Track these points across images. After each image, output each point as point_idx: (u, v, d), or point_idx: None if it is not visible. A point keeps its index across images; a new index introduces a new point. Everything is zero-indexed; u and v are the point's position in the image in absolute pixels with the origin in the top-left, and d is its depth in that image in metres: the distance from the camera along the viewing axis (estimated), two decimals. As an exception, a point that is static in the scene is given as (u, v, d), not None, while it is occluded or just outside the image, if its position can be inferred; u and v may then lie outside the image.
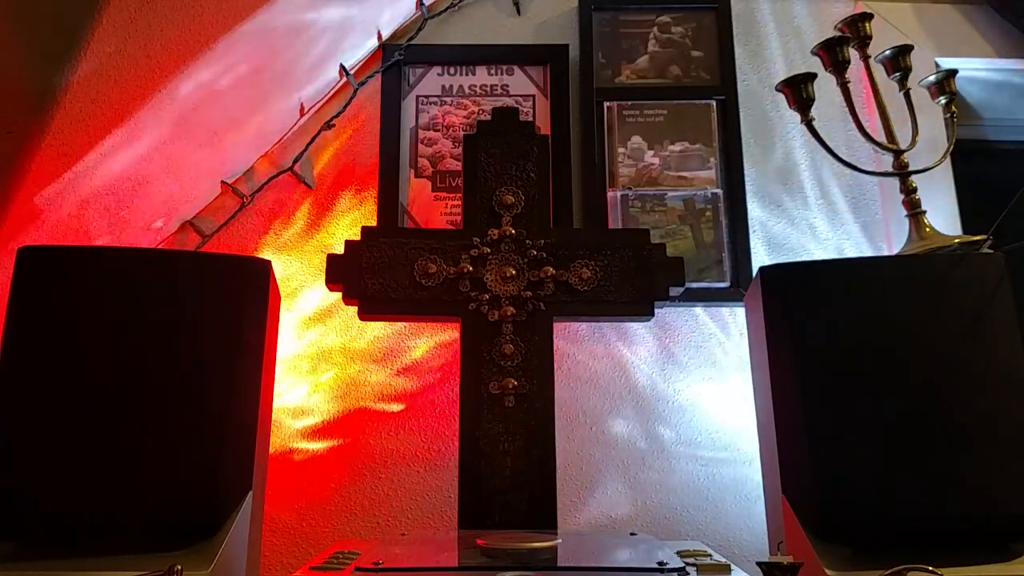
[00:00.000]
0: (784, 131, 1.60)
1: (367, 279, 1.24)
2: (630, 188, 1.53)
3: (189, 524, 0.90)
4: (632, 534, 1.12)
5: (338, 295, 1.25)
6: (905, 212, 1.18)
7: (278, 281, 1.13)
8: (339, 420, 1.41)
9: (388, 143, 1.55)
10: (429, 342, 1.46)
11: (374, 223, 1.50)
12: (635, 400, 1.44)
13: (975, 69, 1.67)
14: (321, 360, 1.44)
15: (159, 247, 1.41)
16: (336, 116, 1.55)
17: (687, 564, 0.83)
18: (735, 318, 1.48)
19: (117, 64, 1.23)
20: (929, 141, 1.29)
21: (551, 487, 1.17)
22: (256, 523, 1.00)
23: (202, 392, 0.94)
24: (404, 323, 1.45)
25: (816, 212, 1.56)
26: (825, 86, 1.24)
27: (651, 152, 1.55)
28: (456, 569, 0.85)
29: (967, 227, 1.53)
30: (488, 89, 1.60)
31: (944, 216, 1.53)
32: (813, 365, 0.96)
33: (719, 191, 1.53)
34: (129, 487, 0.89)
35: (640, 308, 1.26)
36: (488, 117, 1.42)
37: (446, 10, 1.64)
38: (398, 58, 1.59)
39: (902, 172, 1.18)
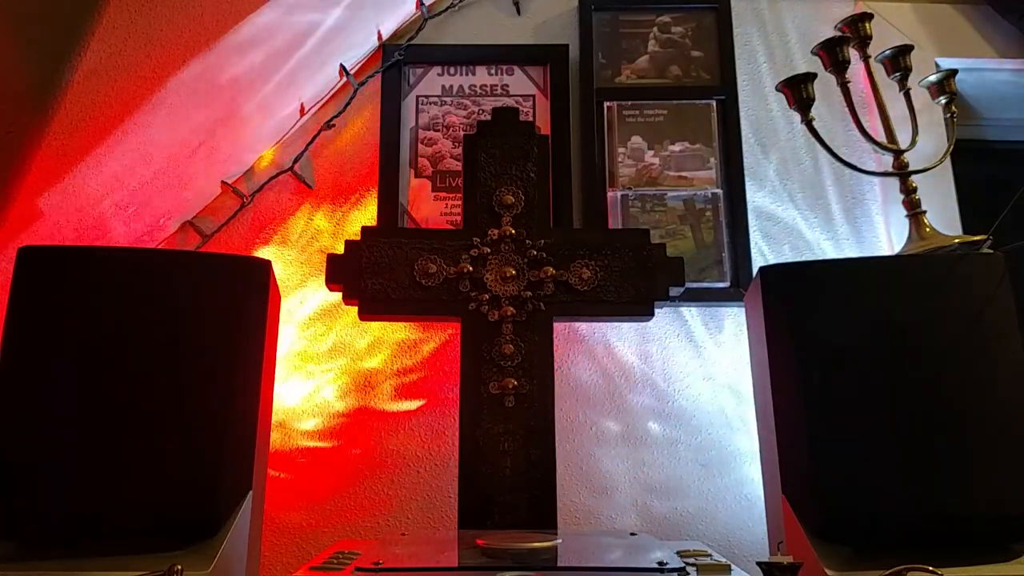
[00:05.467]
0: (784, 131, 1.60)
1: (367, 279, 1.24)
2: (630, 188, 1.53)
3: (189, 524, 0.90)
4: (632, 534, 1.12)
5: (338, 295, 1.25)
6: (905, 212, 1.18)
7: (278, 281, 1.13)
8: (339, 420, 1.41)
9: (388, 143, 1.55)
10: (429, 342, 1.46)
11: (374, 223, 1.50)
12: (635, 400, 1.44)
13: (975, 69, 1.67)
14: (321, 360, 1.44)
15: (159, 247, 1.41)
16: (336, 116, 1.55)
17: (687, 564, 0.83)
18: (735, 318, 1.48)
19: (117, 64, 1.23)
20: (929, 141, 1.29)
21: (551, 487, 1.17)
22: (256, 523, 1.00)
23: (202, 392, 0.94)
24: (404, 323, 1.45)
25: (816, 212, 1.56)
26: (825, 86, 1.24)
27: (651, 152, 1.55)
28: (456, 569, 0.85)
29: (967, 227, 1.53)
30: (488, 89, 1.60)
31: (944, 216, 1.53)
32: (813, 365, 0.96)
33: (719, 191, 1.53)
34: (129, 487, 0.89)
35: (640, 308, 1.26)
36: (488, 117, 1.42)
37: (446, 10, 1.64)
38: (398, 58, 1.59)
39: (902, 172, 1.18)
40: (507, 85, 1.60)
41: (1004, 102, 1.77)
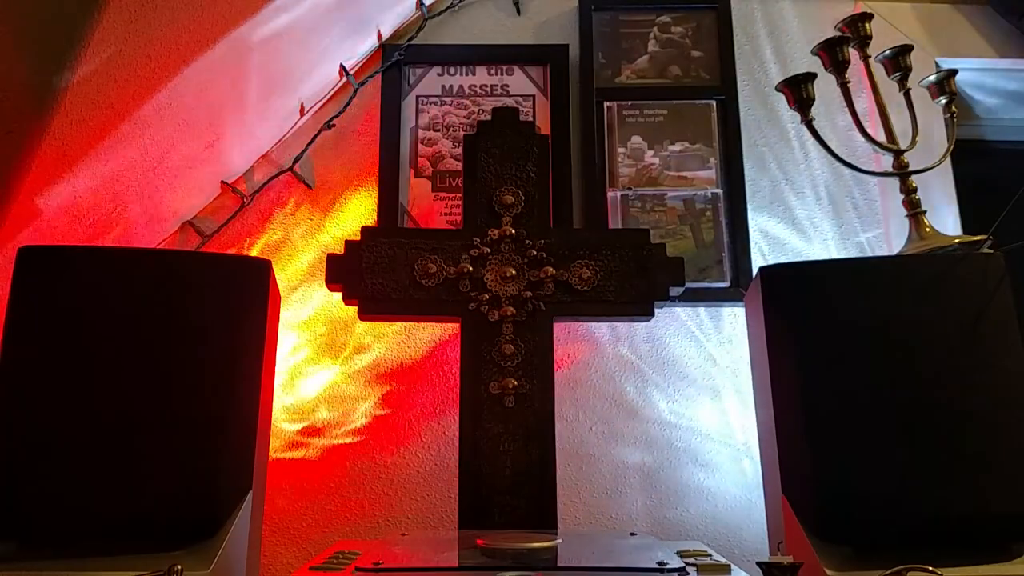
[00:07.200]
0: (784, 131, 1.60)
1: (367, 279, 1.24)
2: (630, 188, 1.53)
3: (189, 524, 0.90)
4: (632, 534, 1.12)
5: (338, 295, 1.25)
6: (905, 212, 1.18)
7: (278, 281, 1.13)
8: (339, 420, 1.41)
9: (388, 143, 1.55)
10: (429, 342, 1.46)
11: (374, 223, 1.50)
12: (635, 400, 1.44)
13: (975, 69, 1.67)
14: (321, 360, 1.44)
15: (159, 247, 1.41)
16: (336, 116, 1.55)
17: (687, 564, 0.83)
18: (735, 318, 1.48)
19: (117, 64, 1.22)
20: (929, 141, 1.29)
21: (551, 487, 1.17)
22: (256, 523, 1.00)
23: (202, 392, 0.94)
24: (404, 323, 1.45)
25: (816, 212, 1.56)
26: (825, 86, 1.24)
27: (651, 152, 1.55)
28: (456, 569, 0.85)
29: (967, 227, 1.53)
30: (488, 89, 1.60)
31: (944, 216, 1.53)
32: (813, 365, 0.96)
33: (719, 191, 1.53)
34: (129, 487, 0.89)
35: (640, 308, 1.26)
36: (488, 117, 1.42)
37: (446, 10, 1.64)
38: (398, 58, 1.59)
39: (902, 172, 1.18)
40: (507, 85, 1.60)
41: (1004, 102, 1.77)
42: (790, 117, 1.56)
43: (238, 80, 1.39)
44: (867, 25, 1.22)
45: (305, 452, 1.39)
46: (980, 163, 1.75)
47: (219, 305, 0.98)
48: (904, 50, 1.22)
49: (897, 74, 1.22)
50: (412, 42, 1.61)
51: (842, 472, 0.91)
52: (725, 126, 1.56)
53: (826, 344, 0.96)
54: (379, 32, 1.59)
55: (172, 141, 1.34)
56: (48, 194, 1.23)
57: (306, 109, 1.55)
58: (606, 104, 1.58)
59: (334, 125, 1.55)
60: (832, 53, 1.18)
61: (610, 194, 1.52)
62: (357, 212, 1.53)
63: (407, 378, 1.44)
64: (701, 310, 1.49)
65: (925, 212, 1.17)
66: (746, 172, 1.54)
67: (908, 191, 1.18)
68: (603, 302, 1.25)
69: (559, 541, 0.94)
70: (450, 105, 1.59)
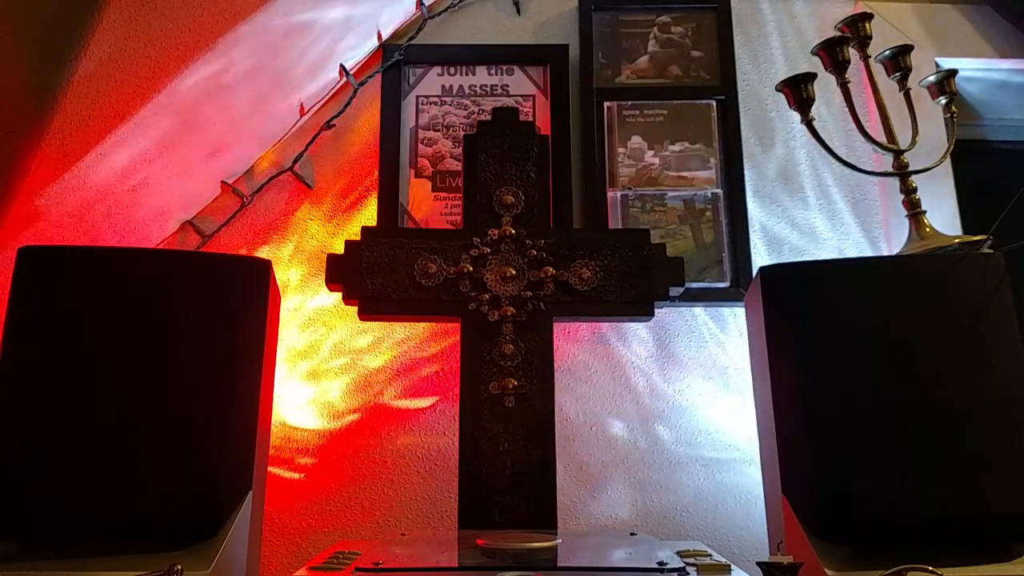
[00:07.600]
0: (784, 131, 1.60)
1: (367, 279, 1.24)
2: (630, 188, 1.53)
3: (189, 524, 0.90)
4: (632, 534, 1.12)
5: (338, 295, 1.25)
6: (905, 212, 1.18)
7: (278, 281, 1.13)
8: (338, 420, 1.41)
9: (388, 143, 1.55)
10: (429, 342, 1.46)
11: (374, 223, 1.50)
12: (635, 400, 1.44)
13: (975, 69, 1.67)
14: (320, 360, 1.44)
15: (159, 247, 1.41)
16: (336, 116, 1.55)
17: (687, 564, 0.83)
18: (735, 318, 1.48)
19: (117, 64, 1.23)
20: (929, 141, 1.29)
21: (551, 487, 1.17)
22: (256, 523, 1.00)
23: (202, 392, 0.94)
24: (404, 323, 1.45)
25: (816, 212, 1.56)
26: (825, 86, 1.24)
27: (651, 152, 1.55)
28: (456, 569, 0.85)
29: (967, 227, 1.53)
30: (488, 89, 1.60)
31: (944, 216, 1.53)
32: (813, 365, 0.96)
33: (719, 191, 1.53)
34: (129, 487, 0.89)
35: (640, 308, 1.26)
36: (488, 117, 1.42)
37: (446, 10, 1.64)
38: (398, 58, 1.59)
39: (902, 172, 1.18)
40: (507, 85, 1.60)
41: (1004, 102, 1.77)
42: (790, 117, 1.56)
43: (238, 80, 1.39)
44: (867, 25, 1.22)
45: (305, 452, 1.39)
46: (980, 163, 1.75)
47: (219, 305, 0.98)
48: (904, 50, 1.22)
49: (897, 74, 1.23)
50: (412, 42, 1.61)
51: (842, 472, 0.91)
52: (725, 126, 1.56)
53: (826, 344, 0.96)
54: (379, 32, 1.59)
55: (172, 141, 1.34)
56: (48, 194, 1.23)
57: (306, 109, 1.55)
58: (606, 104, 1.58)
59: (334, 125, 1.55)
60: (832, 53, 1.18)
61: (610, 194, 1.52)
62: (357, 212, 1.53)
63: (407, 378, 1.44)
64: (701, 310, 1.49)
65: (925, 212, 1.17)
66: (746, 172, 1.54)
67: (908, 191, 1.18)
68: (603, 302, 1.25)
69: (559, 541, 0.94)
70: (450, 105, 1.59)
